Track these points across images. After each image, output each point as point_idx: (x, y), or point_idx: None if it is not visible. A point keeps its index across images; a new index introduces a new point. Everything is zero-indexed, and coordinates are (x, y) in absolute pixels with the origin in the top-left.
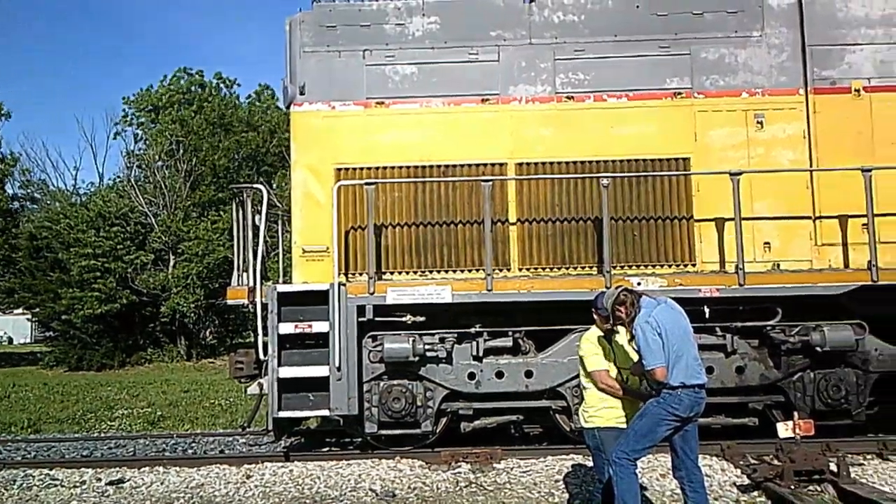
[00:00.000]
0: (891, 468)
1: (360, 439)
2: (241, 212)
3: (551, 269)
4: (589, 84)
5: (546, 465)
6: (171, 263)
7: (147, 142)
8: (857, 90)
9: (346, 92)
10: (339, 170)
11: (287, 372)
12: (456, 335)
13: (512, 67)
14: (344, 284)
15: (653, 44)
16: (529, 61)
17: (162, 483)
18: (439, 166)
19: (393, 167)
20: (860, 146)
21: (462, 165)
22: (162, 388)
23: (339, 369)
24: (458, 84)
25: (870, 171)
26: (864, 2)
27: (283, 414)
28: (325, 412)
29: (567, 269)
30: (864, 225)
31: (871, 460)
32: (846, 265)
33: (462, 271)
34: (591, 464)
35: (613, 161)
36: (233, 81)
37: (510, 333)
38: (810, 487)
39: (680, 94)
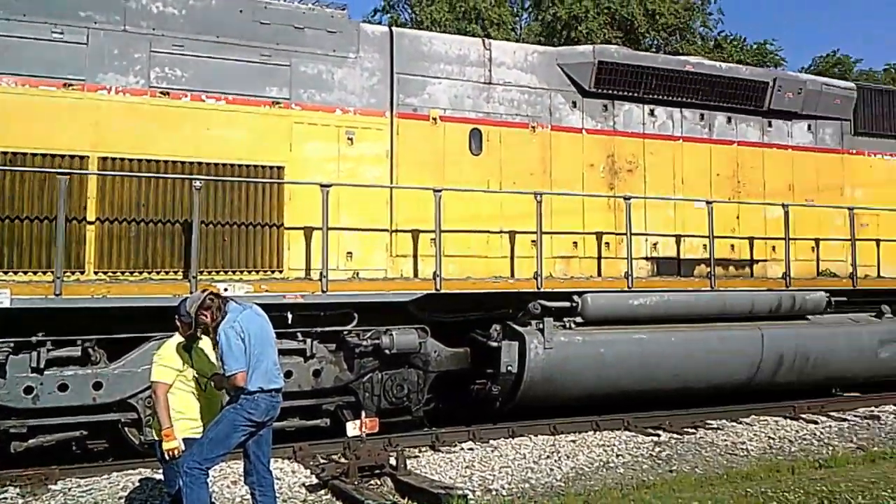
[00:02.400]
0: (441, 458)
1: None
2: None
3: (132, 272)
4: (187, 82)
5: (111, 482)
6: None
7: None
8: (435, 118)
9: None
10: None
11: None
12: (13, 345)
13: (102, 53)
14: None
15: (255, 51)
16: (122, 49)
17: None
18: (5, 153)
19: None
20: (434, 168)
21: (35, 155)
22: None
23: None
24: (36, 64)
25: (440, 191)
26: (445, 40)
27: None
28: None
29: (150, 273)
30: (432, 239)
31: (425, 452)
32: (416, 275)
33: (26, 273)
34: (160, 476)
35: (208, 163)
36: None
37: (79, 342)
38: (372, 482)
39: (278, 103)
